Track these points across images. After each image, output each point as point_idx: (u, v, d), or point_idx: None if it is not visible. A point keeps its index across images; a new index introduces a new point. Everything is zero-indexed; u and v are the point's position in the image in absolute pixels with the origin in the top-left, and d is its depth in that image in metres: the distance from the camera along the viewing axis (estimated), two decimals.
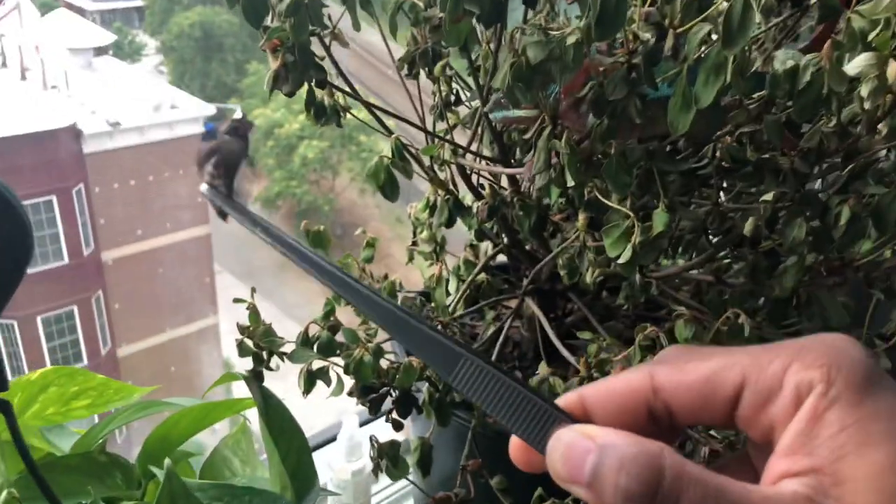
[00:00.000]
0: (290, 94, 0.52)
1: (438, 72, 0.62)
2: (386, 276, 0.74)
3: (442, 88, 0.68)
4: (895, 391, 0.24)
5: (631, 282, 0.57)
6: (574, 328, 0.77)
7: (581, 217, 0.54)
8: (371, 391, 0.55)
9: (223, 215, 0.36)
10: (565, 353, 0.64)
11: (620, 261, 0.47)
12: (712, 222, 0.52)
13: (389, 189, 0.64)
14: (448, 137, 0.64)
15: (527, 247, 0.75)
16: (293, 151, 11.63)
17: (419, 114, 0.69)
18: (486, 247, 0.79)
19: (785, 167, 0.46)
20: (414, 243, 0.87)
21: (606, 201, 0.50)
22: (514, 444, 0.28)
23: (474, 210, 0.72)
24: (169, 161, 9.83)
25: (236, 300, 0.55)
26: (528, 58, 0.44)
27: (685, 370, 0.27)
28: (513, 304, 0.84)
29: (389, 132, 0.68)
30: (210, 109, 10.36)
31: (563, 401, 0.28)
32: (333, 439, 0.97)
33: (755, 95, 0.46)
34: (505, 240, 0.73)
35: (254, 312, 0.55)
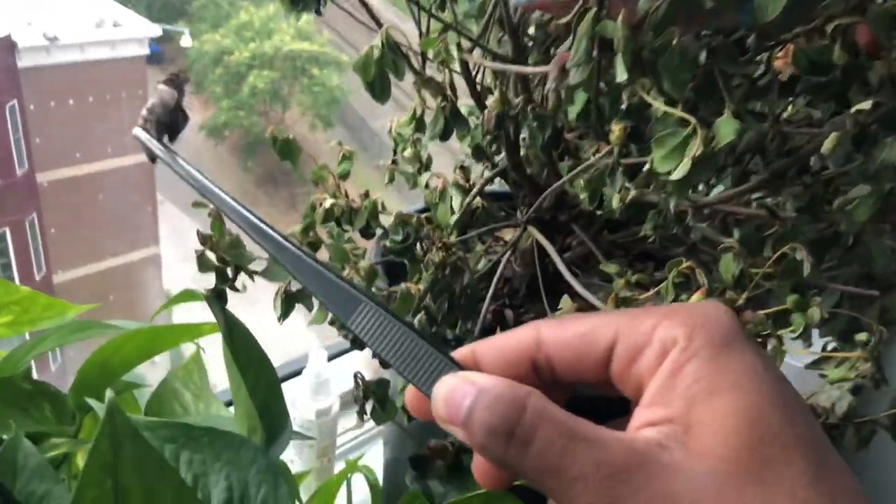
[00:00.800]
0: None
1: None
2: (367, 194, 0.65)
3: None
4: (752, 350, 0.25)
5: (663, 209, 0.50)
6: (573, 265, 0.70)
7: (617, 128, 0.46)
8: None
9: (153, 158, 0.37)
10: (581, 289, 0.56)
11: (674, 176, 0.39)
12: (772, 140, 0.45)
13: (379, 87, 0.55)
14: (455, 27, 0.55)
15: (528, 170, 0.66)
16: (242, 81, 11.23)
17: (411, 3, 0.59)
18: (481, 169, 0.70)
19: (883, 73, 0.38)
20: (394, 162, 0.78)
21: (660, 105, 0.41)
22: (409, 391, 0.29)
23: (472, 121, 0.63)
24: (111, 82, 9.36)
25: (195, 204, 0.45)
26: None
27: (566, 326, 0.28)
28: (506, 234, 0.76)
29: (379, 24, 0.58)
30: (156, 30, 9.87)
31: (457, 353, 0.29)
32: (295, 374, 0.89)
33: None
34: (503, 160, 0.64)
35: (217, 220, 0.46)
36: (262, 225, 0.34)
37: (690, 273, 0.48)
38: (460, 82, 0.62)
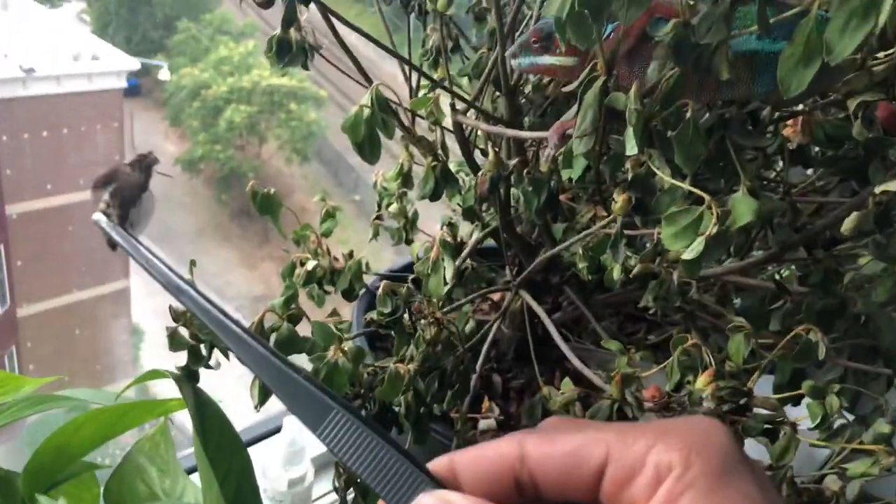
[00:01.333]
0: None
1: (443, 5, 0.49)
2: (351, 254, 0.62)
3: (439, 29, 0.56)
4: (752, 478, 0.24)
5: (664, 280, 0.47)
6: (564, 327, 0.67)
7: (621, 198, 0.43)
8: None
9: (113, 246, 0.35)
10: (575, 360, 0.53)
11: (687, 256, 0.37)
12: (783, 215, 0.43)
13: (369, 148, 0.52)
14: (449, 86, 0.52)
15: (518, 230, 0.64)
16: (219, 114, 11.20)
17: (403, 63, 0.57)
18: (471, 228, 0.68)
19: None
20: (378, 217, 0.75)
21: (669, 179, 0.39)
22: None
23: (462, 182, 0.60)
24: (86, 114, 9.27)
25: None
26: None
27: (554, 441, 0.26)
28: (495, 296, 0.73)
29: (369, 81, 0.56)
30: (135, 64, 9.83)
31: (434, 465, 0.27)
32: (267, 435, 0.85)
33: (882, 54, 0.36)
34: (493, 218, 0.62)
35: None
36: (224, 319, 0.31)
37: (696, 350, 0.45)
38: (450, 139, 0.60)
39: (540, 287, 0.65)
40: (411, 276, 0.62)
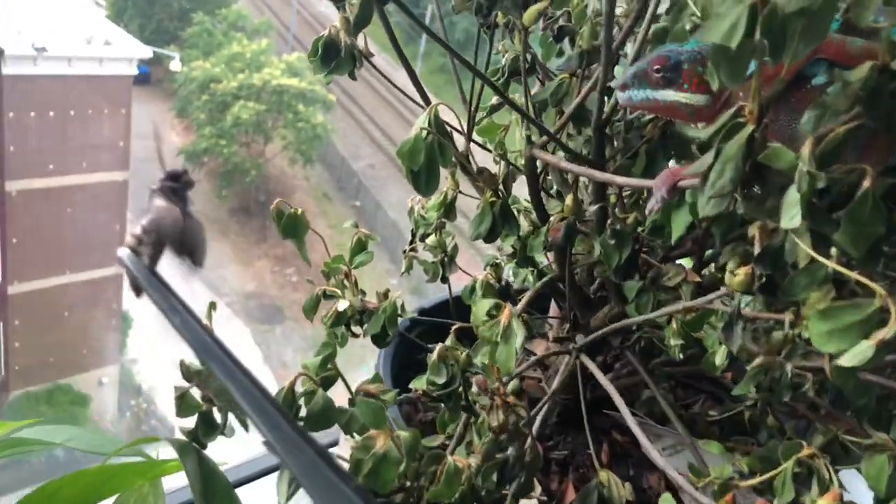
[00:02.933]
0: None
1: (531, 18, 0.42)
2: (386, 294, 0.54)
3: (515, 45, 0.48)
4: None
5: (778, 371, 0.39)
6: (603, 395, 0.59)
7: (742, 271, 0.35)
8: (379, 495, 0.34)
9: (138, 290, 0.28)
10: (641, 435, 0.45)
11: (847, 362, 0.29)
12: None
13: (427, 177, 0.44)
14: (527, 113, 0.44)
15: (579, 282, 0.56)
16: (227, 109, 11.14)
17: (478, 77, 0.49)
18: (524, 274, 0.60)
19: None
20: (412, 248, 0.67)
21: (816, 255, 0.31)
22: None
23: (526, 223, 0.52)
24: (94, 98, 9.20)
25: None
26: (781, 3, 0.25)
27: None
28: (538, 348, 0.65)
29: (427, 101, 0.48)
30: (147, 52, 9.77)
31: None
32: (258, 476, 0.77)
33: None
34: (554, 271, 0.54)
35: None
36: (254, 390, 0.25)
37: (812, 462, 0.37)
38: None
39: (596, 347, 0.57)
40: (455, 326, 0.54)
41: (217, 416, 0.34)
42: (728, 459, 0.50)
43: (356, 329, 0.54)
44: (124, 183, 9.66)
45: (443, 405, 0.39)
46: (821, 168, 0.30)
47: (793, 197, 0.28)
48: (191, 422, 0.34)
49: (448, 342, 0.53)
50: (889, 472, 0.34)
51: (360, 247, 0.57)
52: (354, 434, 0.35)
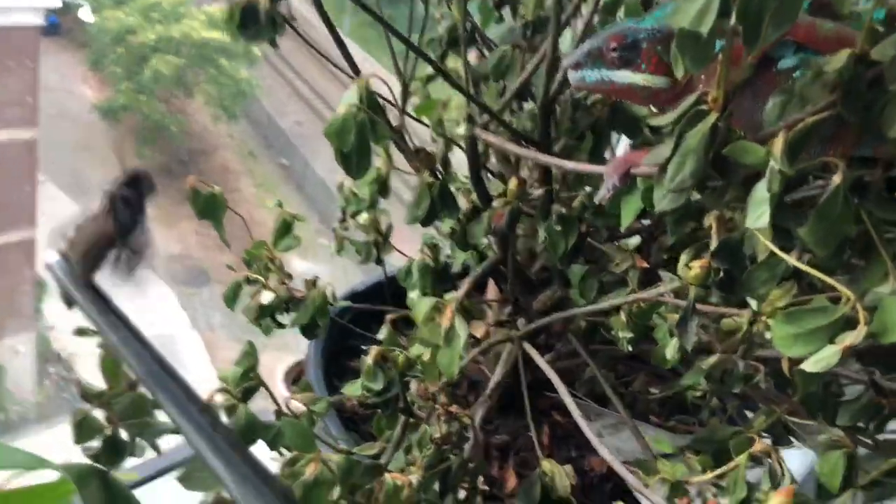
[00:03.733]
0: None
1: None
2: (314, 283, 0.50)
3: (453, 12, 0.44)
4: None
5: (727, 366, 0.37)
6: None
7: (698, 265, 0.33)
8: None
9: (69, 302, 0.25)
10: (594, 440, 0.43)
11: (812, 367, 0.27)
12: None
13: (358, 158, 0.41)
14: (466, 88, 0.41)
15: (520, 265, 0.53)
16: (145, 63, 10.61)
17: (408, 47, 0.45)
18: (463, 257, 0.57)
19: None
20: (343, 226, 0.63)
21: (777, 250, 0.29)
22: None
23: (465, 202, 0.49)
24: None
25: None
26: None
27: None
28: (478, 330, 0.62)
29: (356, 71, 0.44)
30: (56, 1, 9.21)
31: None
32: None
33: None
34: (496, 253, 0.51)
35: (111, 358, 0.30)
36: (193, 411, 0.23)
37: (769, 457, 0.36)
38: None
39: (537, 331, 0.55)
40: (390, 316, 0.51)
41: (125, 437, 0.30)
42: (671, 442, 0.49)
43: (283, 319, 0.50)
44: (33, 141, 9.16)
45: (380, 411, 0.36)
46: (791, 157, 0.28)
47: (761, 195, 0.26)
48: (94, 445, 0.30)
49: (383, 334, 0.50)
50: (843, 471, 0.33)
51: (286, 228, 0.53)
52: (282, 450, 0.32)
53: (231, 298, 0.49)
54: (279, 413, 0.34)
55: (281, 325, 0.48)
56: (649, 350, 0.52)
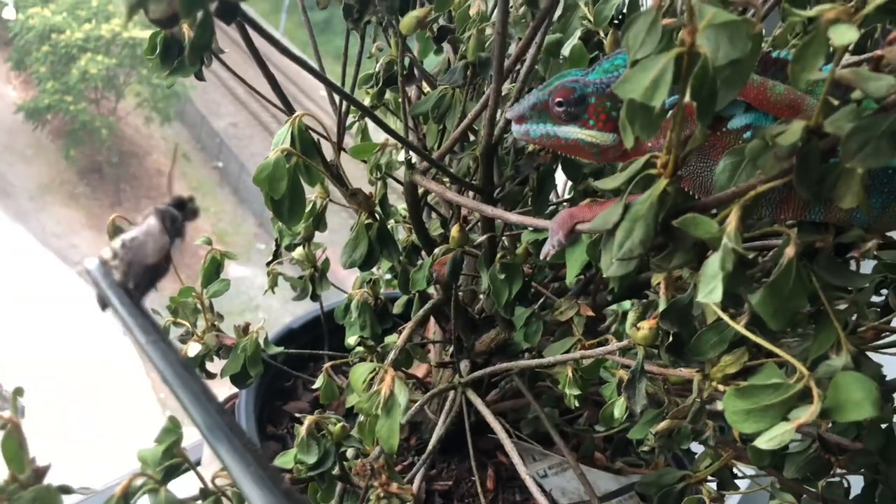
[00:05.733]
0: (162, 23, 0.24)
1: (409, 27, 0.36)
2: (246, 329, 0.48)
3: (391, 48, 0.42)
4: None
5: (682, 428, 0.36)
6: (500, 414, 0.56)
7: (646, 326, 0.32)
8: None
9: (104, 305, 0.25)
10: (533, 488, 0.42)
11: (764, 444, 0.26)
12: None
13: (290, 205, 0.38)
14: (404, 131, 0.39)
15: (463, 306, 0.52)
16: (72, 63, 10.26)
17: (336, 92, 0.43)
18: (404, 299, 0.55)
19: None
20: (276, 259, 0.60)
21: (724, 316, 0.28)
22: None
23: (405, 234, 0.47)
24: None
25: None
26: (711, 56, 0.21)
27: None
28: (419, 370, 0.60)
29: (291, 110, 0.42)
30: None
31: None
32: None
33: None
34: (438, 295, 0.49)
35: (10, 437, 0.27)
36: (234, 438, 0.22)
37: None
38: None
39: (481, 365, 0.53)
40: (327, 364, 0.49)
41: None
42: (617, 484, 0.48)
43: (212, 368, 0.48)
44: None
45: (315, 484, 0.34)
46: (746, 217, 0.27)
47: (713, 269, 0.25)
48: None
49: (320, 382, 0.48)
50: None
51: (215, 269, 0.50)
52: None
53: None
54: (204, 493, 0.31)
55: (210, 376, 0.46)
56: (595, 390, 0.51)
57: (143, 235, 0.25)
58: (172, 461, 0.30)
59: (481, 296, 0.49)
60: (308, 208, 0.56)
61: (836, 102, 0.23)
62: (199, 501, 0.31)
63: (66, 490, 0.29)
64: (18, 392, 0.28)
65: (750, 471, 0.49)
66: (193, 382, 0.23)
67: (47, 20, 9.87)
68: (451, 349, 0.53)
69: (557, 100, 0.30)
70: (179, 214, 0.24)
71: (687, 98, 0.22)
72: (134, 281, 0.25)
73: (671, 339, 0.31)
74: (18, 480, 0.27)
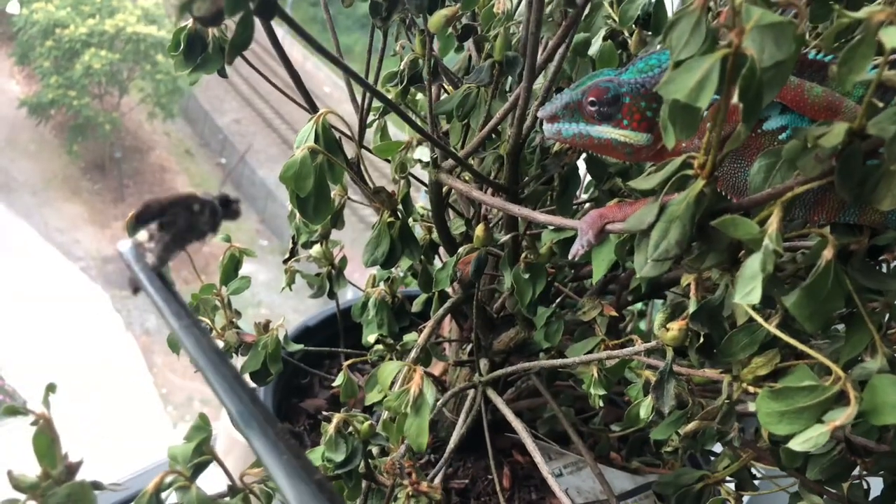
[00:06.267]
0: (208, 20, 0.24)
1: (437, 24, 0.36)
2: (266, 326, 0.48)
3: (415, 46, 0.42)
4: None
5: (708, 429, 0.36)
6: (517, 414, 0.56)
7: (676, 327, 0.32)
8: None
9: (136, 289, 0.26)
10: (553, 484, 0.41)
11: (798, 446, 0.26)
12: None
13: (316, 202, 0.38)
14: (431, 131, 0.39)
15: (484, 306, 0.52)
16: (76, 58, 10.26)
17: (363, 86, 0.43)
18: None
19: None
20: (294, 257, 0.60)
21: (756, 315, 0.28)
22: None
23: (423, 232, 0.47)
24: None
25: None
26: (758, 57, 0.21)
27: None
28: (436, 368, 0.60)
29: (314, 108, 0.42)
30: None
31: None
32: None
33: None
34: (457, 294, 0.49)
35: (42, 433, 0.27)
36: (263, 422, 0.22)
37: None
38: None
39: (499, 364, 0.53)
40: (346, 363, 0.49)
41: None
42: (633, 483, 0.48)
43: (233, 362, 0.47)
44: None
45: (342, 482, 0.34)
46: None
47: (752, 271, 0.25)
48: None
49: (339, 380, 0.48)
50: None
51: (234, 266, 0.50)
52: None
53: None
54: (232, 490, 0.31)
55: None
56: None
57: (187, 221, 0.25)
58: (202, 458, 0.30)
59: (501, 294, 0.49)
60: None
61: (880, 105, 0.23)
62: (228, 498, 0.31)
63: (97, 486, 0.29)
64: (51, 388, 0.28)
65: (763, 471, 0.49)
66: (226, 369, 0.23)
67: (51, 15, 9.87)
68: (469, 347, 0.53)
69: (591, 99, 0.30)
70: (220, 210, 0.24)
71: (735, 99, 0.22)
72: (167, 262, 0.25)
73: (701, 340, 0.31)
74: (51, 477, 0.27)
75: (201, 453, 0.30)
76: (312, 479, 0.21)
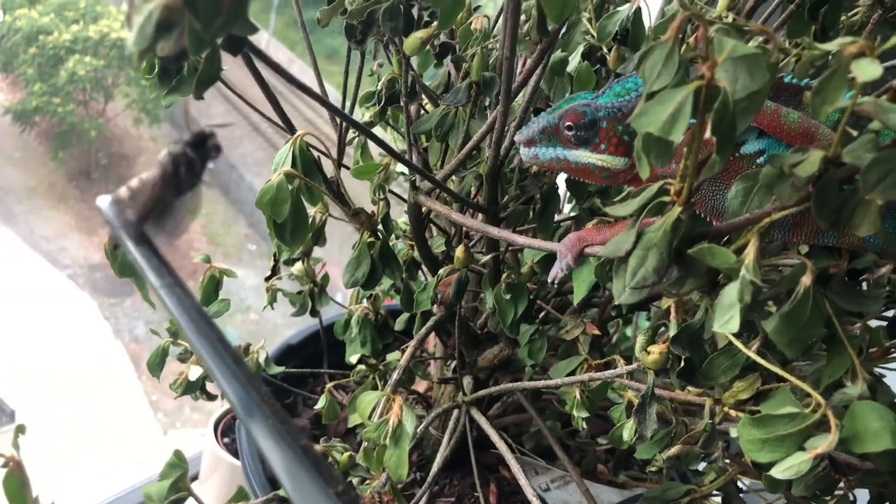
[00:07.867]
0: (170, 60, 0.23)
1: (413, 47, 0.36)
2: (246, 349, 0.47)
3: (392, 65, 0.42)
4: None
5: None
6: (502, 429, 0.56)
7: (657, 350, 0.32)
8: None
9: (116, 246, 0.28)
10: (524, 481, 0.41)
11: (780, 474, 0.26)
12: None
13: (293, 228, 0.38)
14: (409, 153, 0.38)
15: (468, 322, 0.51)
16: (60, 65, 10.19)
17: (337, 115, 0.43)
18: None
19: None
20: (275, 274, 0.60)
21: (735, 341, 0.28)
22: None
23: (404, 247, 0.47)
24: None
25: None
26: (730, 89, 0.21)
27: None
28: (420, 385, 0.60)
29: (292, 129, 0.42)
30: None
31: None
32: None
33: None
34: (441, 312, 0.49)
35: (12, 475, 0.27)
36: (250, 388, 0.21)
37: None
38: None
39: (483, 381, 0.53)
40: (329, 385, 0.48)
41: None
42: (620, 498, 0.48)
43: (212, 388, 0.47)
44: None
45: None
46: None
47: (730, 300, 0.24)
48: None
49: (321, 403, 0.47)
50: None
51: (214, 287, 0.50)
52: None
53: (155, 366, 0.46)
54: None
55: (211, 397, 0.45)
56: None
57: (160, 170, 0.24)
58: (178, 495, 0.29)
59: (484, 311, 0.49)
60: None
61: (854, 133, 0.23)
62: None
63: None
64: (20, 430, 0.28)
65: (750, 483, 0.49)
66: (210, 330, 0.22)
67: (34, 21, 9.79)
68: (453, 364, 0.53)
69: (568, 123, 0.30)
70: (199, 160, 0.23)
71: (707, 134, 0.21)
72: (149, 217, 0.24)
73: (682, 363, 0.31)
74: None
75: (177, 490, 0.29)
76: (298, 443, 0.21)
